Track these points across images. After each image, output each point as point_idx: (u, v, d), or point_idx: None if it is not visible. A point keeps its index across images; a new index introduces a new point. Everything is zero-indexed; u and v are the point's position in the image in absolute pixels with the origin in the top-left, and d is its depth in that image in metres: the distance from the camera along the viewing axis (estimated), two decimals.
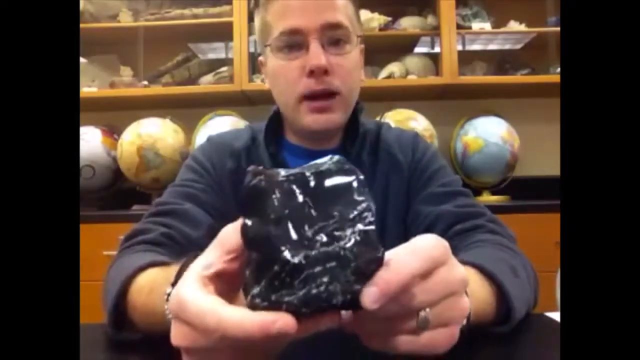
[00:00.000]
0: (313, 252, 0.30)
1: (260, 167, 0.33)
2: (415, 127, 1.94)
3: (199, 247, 0.71)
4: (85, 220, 1.69)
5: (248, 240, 0.32)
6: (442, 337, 0.36)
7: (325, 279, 0.30)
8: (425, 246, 0.35)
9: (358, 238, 0.31)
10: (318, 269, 0.30)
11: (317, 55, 0.70)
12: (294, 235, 0.31)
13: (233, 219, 0.66)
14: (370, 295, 0.31)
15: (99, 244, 1.57)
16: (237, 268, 0.34)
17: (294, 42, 0.72)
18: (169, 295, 0.43)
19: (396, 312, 0.34)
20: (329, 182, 0.33)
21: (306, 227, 0.31)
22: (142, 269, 0.53)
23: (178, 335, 0.33)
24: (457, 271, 0.36)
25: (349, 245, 0.31)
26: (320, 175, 0.33)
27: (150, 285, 0.50)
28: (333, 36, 0.72)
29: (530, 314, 0.58)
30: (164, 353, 0.35)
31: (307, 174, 0.33)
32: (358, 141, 0.81)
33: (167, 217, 0.70)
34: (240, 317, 0.30)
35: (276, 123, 0.82)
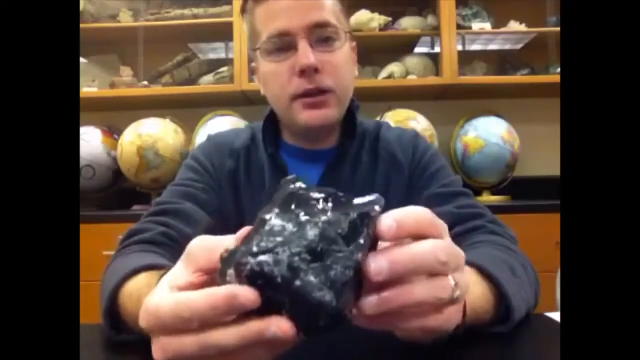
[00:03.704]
0: (284, 213, 0.30)
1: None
2: (415, 127, 1.93)
3: None
4: (85, 220, 1.69)
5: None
6: (455, 312, 0.36)
7: (279, 239, 0.29)
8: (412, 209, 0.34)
9: (330, 216, 0.30)
10: (277, 228, 0.30)
11: (305, 54, 0.70)
12: (288, 205, 0.31)
13: (232, 217, 0.67)
14: (385, 220, 0.31)
15: (99, 244, 1.57)
16: (205, 281, 0.34)
17: (282, 44, 0.72)
18: None
19: (427, 265, 0.32)
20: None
21: (300, 206, 0.31)
22: (134, 273, 0.52)
23: (156, 348, 0.33)
24: (458, 248, 0.36)
25: (316, 220, 0.30)
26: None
27: (138, 292, 0.49)
28: (321, 35, 0.72)
29: (530, 314, 0.58)
30: None
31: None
32: (356, 140, 0.81)
33: (165, 216, 0.70)
34: (190, 295, 0.30)
35: (273, 123, 0.82)
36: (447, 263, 0.33)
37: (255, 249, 0.29)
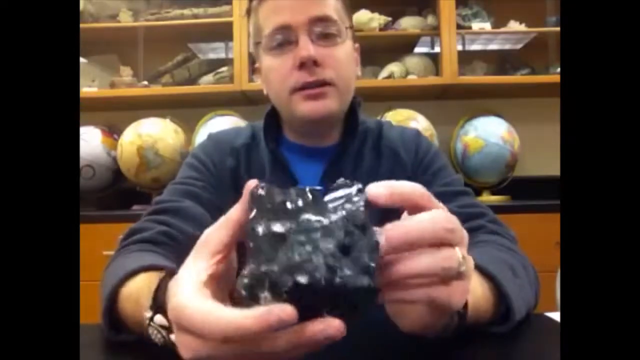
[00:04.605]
0: (299, 222, 0.31)
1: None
2: (416, 127, 1.93)
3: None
4: (85, 220, 1.69)
5: (247, 235, 0.32)
6: (461, 290, 0.36)
7: (308, 248, 0.30)
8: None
9: (344, 213, 0.32)
10: (301, 237, 0.30)
11: (305, 47, 0.71)
12: (285, 210, 0.32)
13: None
14: (375, 187, 0.33)
15: (99, 244, 1.57)
16: (224, 269, 0.35)
17: (284, 38, 0.73)
18: (150, 319, 0.43)
19: (430, 234, 0.33)
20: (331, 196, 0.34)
21: (299, 211, 0.32)
22: (133, 273, 0.52)
23: (183, 346, 0.33)
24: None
25: (334, 218, 0.31)
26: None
27: (137, 294, 0.49)
28: (322, 30, 0.73)
29: (530, 314, 0.58)
30: (164, 353, 0.35)
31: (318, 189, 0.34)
32: (358, 137, 0.81)
33: (165, 215, 0.70)
34: (238, 315, 0.30)
35: (274, 120, 0.82)
36: (454, 231, 0.34)
37: (289, 265, 0.30)
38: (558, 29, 2.08)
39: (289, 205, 0.32)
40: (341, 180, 0.35)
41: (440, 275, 0.34)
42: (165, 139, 1.96)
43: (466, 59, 2.17)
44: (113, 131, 2.11)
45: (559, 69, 2.10)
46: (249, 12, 0.80)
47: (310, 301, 0.30)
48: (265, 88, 0.80)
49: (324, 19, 0.73)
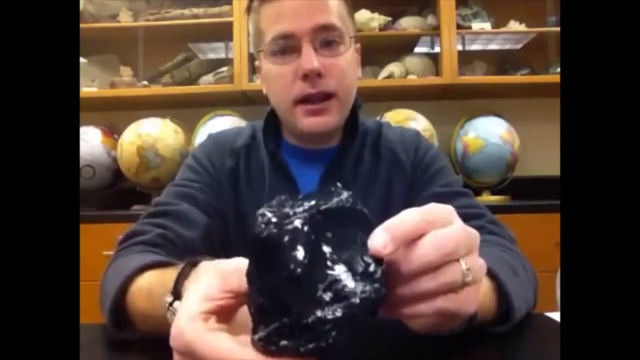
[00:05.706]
0: (323, 313, 0.31)
1: (269, 210, 0.33)
2: (415, 127, 1.93)
3: (194, 247, 0.72)
4: (85, 220, 1.69)
5: (256, 288, 0.32)
6: (473, 295, 0.36)
7: (333, 334, 0.31)
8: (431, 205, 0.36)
9: (366, 295, 0.32)
10: (328, 326, 0.31)
11: (309, 58, 0.70)
12: (304, 292, 0.31)
13: (231, 217, 0.65)
14: (378, 237, 0.32)
15: (99, 244, 1.57)
16: (235, 304, 0.35)
17: (286, 46, 0.71)
18: (170, 304, 0.43)
19: (433, 260, 0.33)
20: (339, 225, 0.33)
21: (317, 283, 0.31)
22: (141, 270, 0.53)
23: None
24: (471, 229, 0.36)
25: (357, 302, 0.31)
26: (330, 217, 0.33)
27: (149, 289, 0.49)
28: (326, 38, 0.72)
29: (530, 314, 0.58)
30: (164, 353, 0.35)
31: (318, 217, 0.33)
32: (358, 139, 0.81)
33: (163, 218, 0.70)
34: (244, 353, 0.31)
35: (274, 122, 0.82)
36: (455, 251, 0.34)
37: (314, 348, 0.31)
38: (558, 29, 2.08)
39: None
40: (345, 197, 0.34)
41: (443, 291, 0.34)
42: (165, 139, 1.96)
43: (466, 59, 2.17)
44: (113, 131, 2.11)
45: (559, 69, 2.10)
46: (249, 10, 0.79)
47: None
48: (265, 89, 0.79)
49: (328, 28, 0.71)
